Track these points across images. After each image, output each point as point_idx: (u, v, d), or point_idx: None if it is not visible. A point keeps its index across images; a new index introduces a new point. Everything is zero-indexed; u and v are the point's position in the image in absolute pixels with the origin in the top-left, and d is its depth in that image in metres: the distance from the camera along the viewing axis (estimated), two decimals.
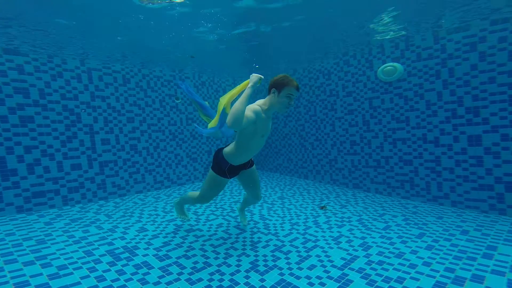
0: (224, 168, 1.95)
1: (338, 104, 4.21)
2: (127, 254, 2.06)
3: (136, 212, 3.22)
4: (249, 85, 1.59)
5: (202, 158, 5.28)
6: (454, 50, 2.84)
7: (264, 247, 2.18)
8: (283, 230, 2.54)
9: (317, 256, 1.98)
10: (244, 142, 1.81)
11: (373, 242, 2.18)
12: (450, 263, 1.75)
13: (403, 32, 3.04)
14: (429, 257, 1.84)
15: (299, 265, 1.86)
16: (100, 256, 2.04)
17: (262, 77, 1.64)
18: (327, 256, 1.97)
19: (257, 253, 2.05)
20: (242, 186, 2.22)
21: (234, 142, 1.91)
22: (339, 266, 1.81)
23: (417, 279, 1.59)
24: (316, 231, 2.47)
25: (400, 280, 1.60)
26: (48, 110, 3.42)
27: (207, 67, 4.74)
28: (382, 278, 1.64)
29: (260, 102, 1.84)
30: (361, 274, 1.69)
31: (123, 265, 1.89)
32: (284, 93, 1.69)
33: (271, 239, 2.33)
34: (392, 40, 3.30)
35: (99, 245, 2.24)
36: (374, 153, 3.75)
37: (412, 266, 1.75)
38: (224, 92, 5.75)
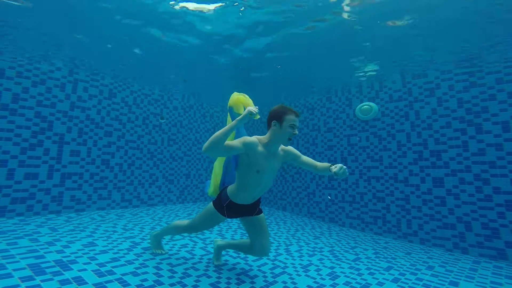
0: (223, 203, 1.76)
1: (319, 139, 4.47)
2: (56, 269, 1.83)
3: (90, 227, 2.96)
4: (238, 118, 1.50)
5: (180, 180, 5.16)
6: (418, 94, 3.27)
7: (229, 269, 2.06)
8: None
9: (284, 282, 1.90)
10: (240, 177, 1.68)
11: (341, 272, 2.13)
12: None
13: (374, 73, 3.46)
14: None
15: None
16: (15, 270, 1.76)
17: (257, 111, 1.51)
18: (293, 283, 1.89)
19: (220, 275, 1.93)
20: (248, 235, 1.92)
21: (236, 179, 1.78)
22: None
23: None
24: (287, 259, 2.39)
25: None
26: (16, 115, 3.26)
27: (197, 91, 5.02)
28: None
29: (260, 137, 1.68)
30: None
31: (43, 280, 1.65)
32: (286, 123, 1.56)
33: (238, 263, 2.22)
34: (368, 80, 3.73)
35: (21, 258, 1.96)
36: (350, 189, 3.87)
37: None
38: (212, 118, 5.99)
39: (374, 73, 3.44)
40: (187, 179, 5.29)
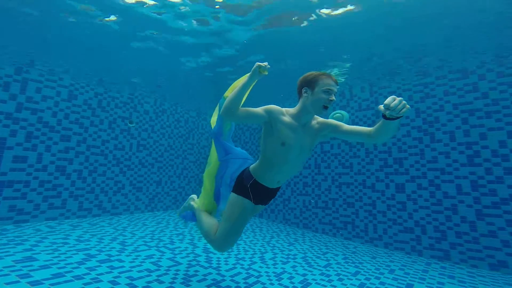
0: (246, 184, 1.48)
1: None
2: None
3: (32, 240, 2.63)
4: (248, 74, 1.33)
5: (149, 188, 4.88)
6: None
7: (199, 281, 1.97)
8: (226, 264, 2.37)
9: None
10: (264, 150, 1.44)
11: (313, 279, 2.16)
12: None
13: (343, 80, 3.65)
14: None
15: None
16: None
17: (267, 64, 1.27)
18: None
19: (188, 287, 1.83)
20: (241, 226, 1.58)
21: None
22: None
23: None
24: (261, 267, 2.36)
25: None
26: None
27: (171, 96, 4.84)
28: None
29: (288, 108, 1.46)
30: None
31: None
32: (319, 88, 1.31)
33: (210, 273, 2.13)
34: (340, 88, 3.95)
35: None
36: (323, 195, 4.00)
37: None
38: (187, 123, 5.82)
39: (343, 80, 3.63)
40: (157, 186, 5.02)
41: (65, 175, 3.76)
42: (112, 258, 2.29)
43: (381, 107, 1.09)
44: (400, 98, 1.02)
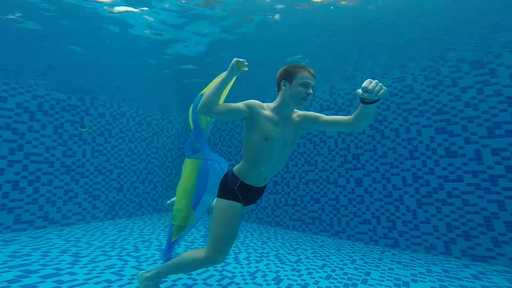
0: (233, 186, 1.41)
1: None
2: None
3: None
4: (228, 69, 1.30)
5: (108, 195, 4.51)
6: (341, 103, 3.86)
7: (168, 287, 1.89)
8: None
9: None
10: (247, 148, 1.40)
11: (285, 275, 2.26)
12: None
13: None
14: (326, 286, 2.04)
15: None
16: None
17: (244, 60, 1.27)
18: None
19: None
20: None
21: (243, 155, 1.50)
22: None
23: None
24: (235, 267, 2.38)
25: None
26: None
27: (132, 96, 4.53)
28: None
29: (268, 103, 1.45)
30: None
31: None
32: (297, 81, 1.33)
33: (180, 278, 2.08)
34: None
35: None
36: (292, 192, 4.19)
37: None
38: (150, 126, 5.48)
39: None
40: (118, 193, 4.65)
41: None
42: (61, 272, 2.07)
43: (359, 91, 1.10)
44: (376, 80, 1.07)
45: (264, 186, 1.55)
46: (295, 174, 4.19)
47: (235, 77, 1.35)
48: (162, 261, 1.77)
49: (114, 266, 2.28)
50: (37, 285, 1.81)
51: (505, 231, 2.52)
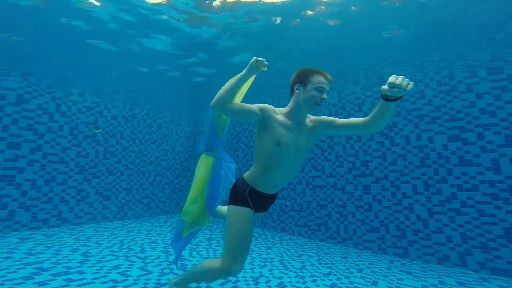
0: (243, 192, 1.39)
1: None
2: None
3: None
4: (246, 67, 1.30)
5: (118, 196, 4.64)
6: (350, 109, 3.80)
7: None
8: None
9: None
10: (259, 153, 1.38)
11: (288, 281, 2.23)
12: None
13: None
14: None
15: None
16: None
17: (263, 59, 1.28)
18: None
19: None
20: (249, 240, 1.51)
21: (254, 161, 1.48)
22: None
23: None
24: None
25: None
26: None
27: (143, 99, 4.68)
28: None
29: (281, 108, 1.43)
30: None
31: None
32: (312, 85, 1.30)
33: None
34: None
35: None
36: (298, 198, 4.15)
37: None
38: (160, 128, 5.62)
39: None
40: (127, 194, 4.76)
41: (13, 185, 3.43)
42: (70, 271, 2.13)
43: (385, 87, 1.05)
44: (402, 76, 1.05)
45: (276, 194, 1.52)
46: (301, 180, 4.15)
47: (254, 77, 1.34)
48: (173, 251, 1.73)
49: (121, 266, 2.33)
50: (48, 282, 1.88)
51: None
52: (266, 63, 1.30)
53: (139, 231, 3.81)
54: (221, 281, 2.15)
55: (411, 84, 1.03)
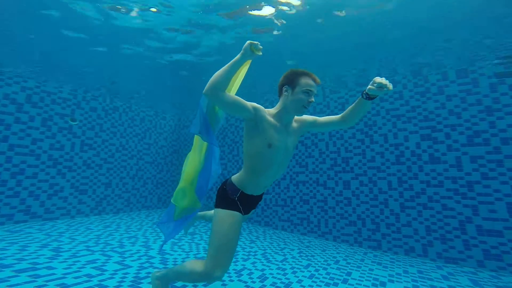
0: (234, 197, 1.36)
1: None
2: None
3: None
4: (240, 52, 1.22)
5: (96, 190, 4.47)
6: (334, 107, 3.94)
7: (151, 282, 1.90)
8: None
9: None
10: (249, 156, 1.35)
11: (270, 273, 2.29)
12: None
13: None
14: (309, 285, 2.08)
15: None
16: None
17: (258, 43, 1.21)
18: None
19: None
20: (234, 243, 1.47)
21: (243, 164, 1.45)
22: None
23: None
24: None
25: None
26: None
27: (126, 91, 4.50)
28: None
29: (269, 109, 1.40)
30: None
31: None
32: (300, 88, 1.29)
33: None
34: None
35: None
36: (282, 193, 4.24)
37: None
38: (143, 121, 5.44)
39: None
40: (106, 188, 4.60)
41: None
42: (38, 266, 2.04)
43: (373, 87, 1.22)
44: (383, 77, 1.21)
45: (262, 194, 1.52)
46: (286, 175, 4.24)
47: (248, 64, 1.28)
48: (161, 233, 1.65)
49: (96, 261, 2.27)
50: (9, 279, 1.78)
51: (476, 234, 2.63)
52: (261, 47, 1.23)
53: (118, 226, 3.71)
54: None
55: (391, 85, 1.21)
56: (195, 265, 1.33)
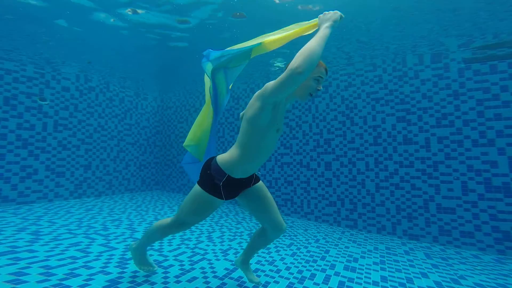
0: (218, 182, 1.29)
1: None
2: None
3: None
4: (326, 25, 1.11)
5: (75, 173, 4.30)
6: (315, 93, 3.95)
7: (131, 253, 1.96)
8: (170, 245, 2.40)
9: (201, 268, 1.97)
10: (254, 139, 1.24)
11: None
12: (302, 266, 2.17)
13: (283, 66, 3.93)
14: (290, 262, 2.22)
15: (178, 278, 1.77)
16: None
17: (343, 16, 1.16)
18: (211, 267, 2.00)
19: (123, 270, 1.81)
20: (252, 214, 1.52)
21: (236, 145, 1.32)
22: (220, 276, 1.88)
23: (277, 282, 1.85)
24: (208, 245, 2.48)
25: (265, 284, 1.81)
26: None
27: (102, 69, 4.17)
28: (252, 284, 1.77)
29: None
30: (238, 282, 1.81)
31: None
32: (312, 75, 1.25)
33: (151, 255, 2.13)
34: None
35: None
36: (267, 175, 4.35)
37: (278, 271, 2.05)
38: (122, 102, 5.14)
39: (283, 65, 3.85)
40: (86, 170, 4.46)
41: None
42: (17, 250, 2.02)
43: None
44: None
45: (252, 176, 1.44)
46: (271, 157, 4.32)
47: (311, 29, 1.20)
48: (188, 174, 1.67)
49: (80, 243, 2.26)
50: None
51: (436, 212, 2.92)
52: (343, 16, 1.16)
53: (100, 209, 3.66)
54: (189, 254, 2.23)
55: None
56: (161, 222, 1.52)
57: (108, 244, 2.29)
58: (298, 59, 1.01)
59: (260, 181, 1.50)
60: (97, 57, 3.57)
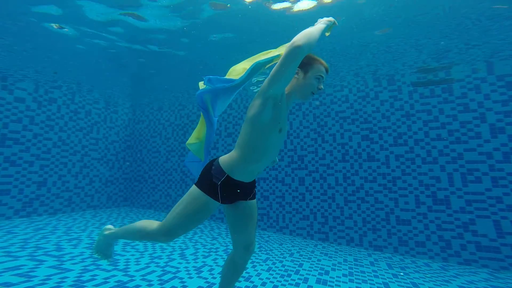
0: (217, 181, 1.21)
1: (220, 144, 4.72)
2: None
3: None
4: (322, 21, 1.21)
5: (24, 190, 3.92)
6: (292, 107, 4.20)
7: (97, 285, 1.79)
8: (137, 264, 2.24)
9: (172, 287, 1.87)
10: (255, 138, 1.19)
11: None
12: (278, 281, 2.18)
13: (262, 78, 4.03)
14: (266, 278, 2.22)
15: None
16: None
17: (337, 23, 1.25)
18: (184, 286, 1.91)
19: None
20: (230, 228, 1.40)
21: (237, 146, 1.27)
22: None
23: None
24: (180, 263, 2.37)
25: None
26: None
27: (67, 78, 3.93)
28: None
29: None
30: None
31: None
32: (313, 73, 1.25)
33: (114, 276, 1.96)
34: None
35: None
36: None
37: (254, 287, 2.03)
38: (89, 114, 4.85)
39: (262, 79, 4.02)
40: (39, 187, 4.04)
41: None
42: None
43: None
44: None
45: (254, 182, 1.37)
46: None
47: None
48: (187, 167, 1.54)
49: (21, 267, 1.99)
50: None
51: (395, 224, 3.21)
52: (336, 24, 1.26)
53: (54, 228, 3.30)
54: (159, 272, 2.11)
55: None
56: (147, 223, 1.33)
57: (60, 266, 2.05)
58: (296, 37, 1.07)
59: (255, 200, 1.43)
60: (63, 67, 3.37)
